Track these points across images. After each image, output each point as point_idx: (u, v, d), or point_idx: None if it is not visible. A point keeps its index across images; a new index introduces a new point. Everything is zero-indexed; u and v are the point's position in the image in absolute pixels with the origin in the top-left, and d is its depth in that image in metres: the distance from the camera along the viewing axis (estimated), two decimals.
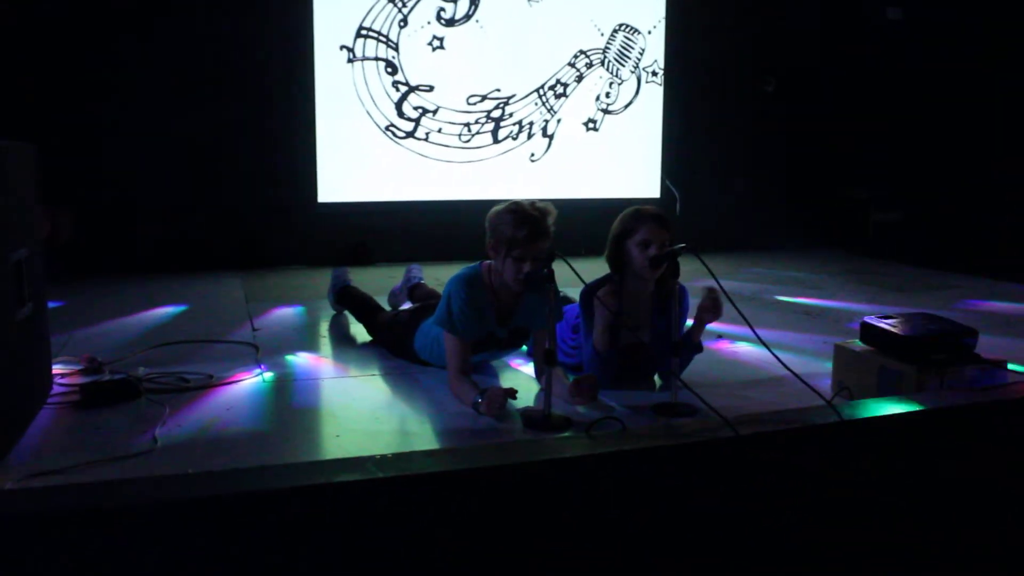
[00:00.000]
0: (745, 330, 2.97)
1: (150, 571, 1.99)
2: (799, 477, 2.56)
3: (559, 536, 2.27)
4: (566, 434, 2.73)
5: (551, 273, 2.92)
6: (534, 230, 3.10)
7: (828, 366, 3.48)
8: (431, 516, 2.14)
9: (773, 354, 2.93)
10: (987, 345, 3.56)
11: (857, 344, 3.34)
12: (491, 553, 2.21)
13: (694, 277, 3.36)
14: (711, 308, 3.20)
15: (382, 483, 2.08)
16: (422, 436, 2.87)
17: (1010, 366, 3.29)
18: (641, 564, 2.36)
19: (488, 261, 3.31)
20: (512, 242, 3.11)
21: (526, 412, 2.94)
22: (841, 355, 3.37)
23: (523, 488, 2.23)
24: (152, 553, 1.99)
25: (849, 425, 2.64)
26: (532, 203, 3.17)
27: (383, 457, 2.24)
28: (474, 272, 3.31)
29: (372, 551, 2.13)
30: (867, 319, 3.33)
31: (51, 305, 3.51)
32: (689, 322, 3.34)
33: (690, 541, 2.43)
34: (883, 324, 3.23)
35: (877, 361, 3.19)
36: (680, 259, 3.17)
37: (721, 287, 3.07)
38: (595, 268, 3.40)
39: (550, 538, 2.26)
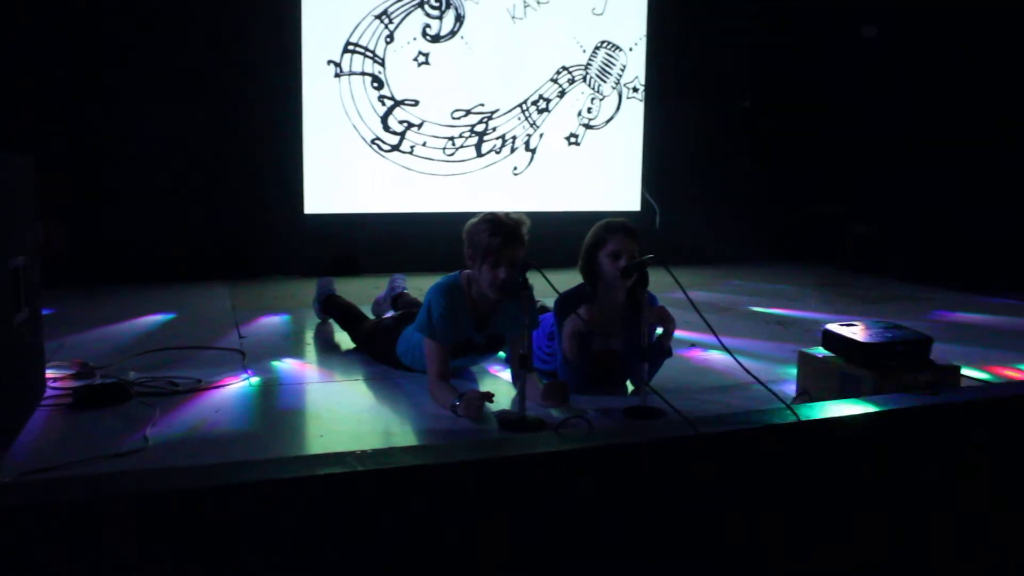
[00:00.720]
0: (716, 339, 3.12)
1: (139, 559, 2.10)
2: (757, 474, 2.70)
3: (530, 526, 2.40)
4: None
5: (526, 281, 3.08)
6: (508, 237, 3.25)
7: (794, 372, 3.63)
8: (409, 507, 2.27)
9: (736, 359, 3.08)
10: (947, 352, 3.74)
11: (819, 351, 3.50)
12: (464, 542, 2.34)
13: (666, 289, 3.51)
14: (660, 320, 3.33)
15: (363, 476, 2.21)
16: (403, 436, 3.00)
17: (964, 370, 3.45)
18: (605, 554, 2.50)
19: (467, 271, 3.45)
20: (488, 249, 3.25)
21: (502, 414, 3.08)
22: (805, 361, 3.53)
23: (496, 481, 2.37)
24: (140, 542, 2.10)
25: (806, 425, 2.79)
26: (507, 214, 3.32)
27: (363, 452, 2.37)
28: (453, 280, 3.45)
29: (353, 541, 2.26)
30: (828, 327, 3.49)
31: (43, 312, 3.62)
32: (660, 330, 3.49)
33: (652, 534, 2.57)
34: (843, 331, 3.39)
35: (838, 366, 3.35)
36: (651, 271, 3.32)
37: (688, 296, 3.20)
38: (573, 279, 3.54)
39: (521, 528, 2.40)
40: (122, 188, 6.11)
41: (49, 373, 3.49)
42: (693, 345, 4.31)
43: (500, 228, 3.26)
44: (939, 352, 3.50)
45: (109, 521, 2.05)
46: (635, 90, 7.54)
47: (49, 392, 3.33)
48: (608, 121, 7.49)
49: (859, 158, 7.82)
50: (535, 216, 3.42)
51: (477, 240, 3.29)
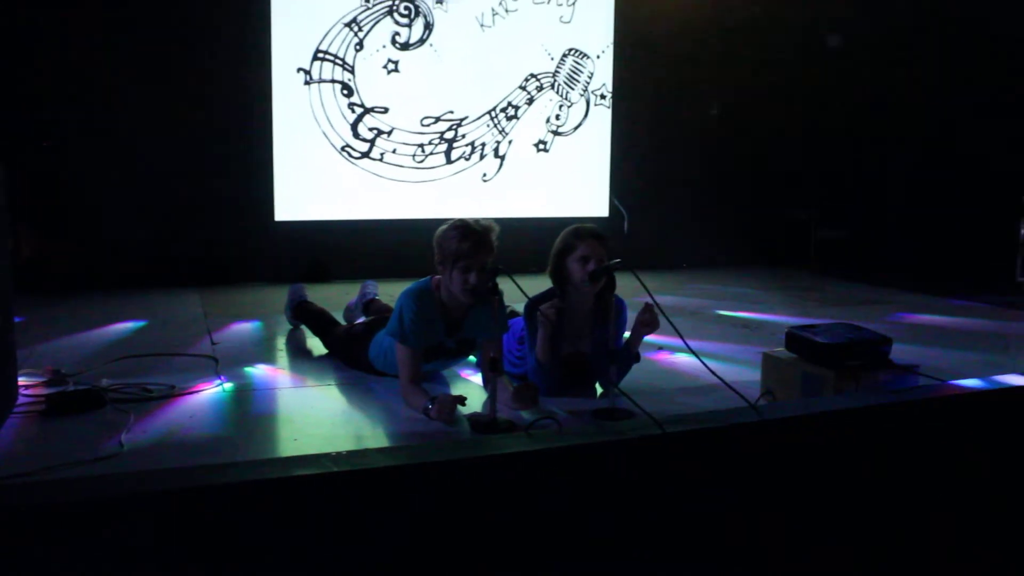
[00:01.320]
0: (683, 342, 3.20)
1: (117, 562, 2.14)
2: (721, 470, 2.78)
3: (501, 524, 2.46)
4: None
5: (496, 286, 3.14)
6: (477, 242, 3.31)
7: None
8: (384, 507, 2.32)
9: (701, 360, 3.16)
10: (907, 353, 3.85)
11: (783, 352, 3.59)
12: (439, 539, 2.40)
13: (636, 293, 3.58)
14: (648, 322, 3.41)
15: (338, 476, 2.26)
16: (376, 439, 3.05)
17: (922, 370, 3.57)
18: (575, 550, 2.57)
19: (437, 276, 3.50)
20: (458, 254, 3.31)
21: (474, 417, 3.14)
22: (768, 362, 3.62)
23: (468, 480, 2.43)
24: (117, 545, 2.14)
25: (769, 424, 2.87)
26: (476, 220, 3.39)
27: (339, 454, 2.42)
28: (424, 286, 3.51)
29: (328, 541, 2.30)
30: (791, 329, 3.58)
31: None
32: (628, 334, 3.56)
33: (621, 532, 2.64)
34: (805, 333, 3.49)
35: (800, 367, 3.44)
36: (619, 275, 3.39)
37: (654, 300, 3.28)
38: (544, 284, 3.61)
39: (493, 526, 2.45)
40: (92, 196, 6.10)
41: (21, 380, 3.49)
42: (661, 348, 4.39)
43: (469, 234, 3.32)
44: (898, 352, 3.61)
45: (89, 523, 2.08)
46: (603, 97, 7.63)
47: (21, 399, 3.33)
48: (576, 128, 7.57)
49: (827, 164, 7.97)
50: (504, 222, 3.49)
51: (447, 246, 3.35)
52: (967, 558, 3.23)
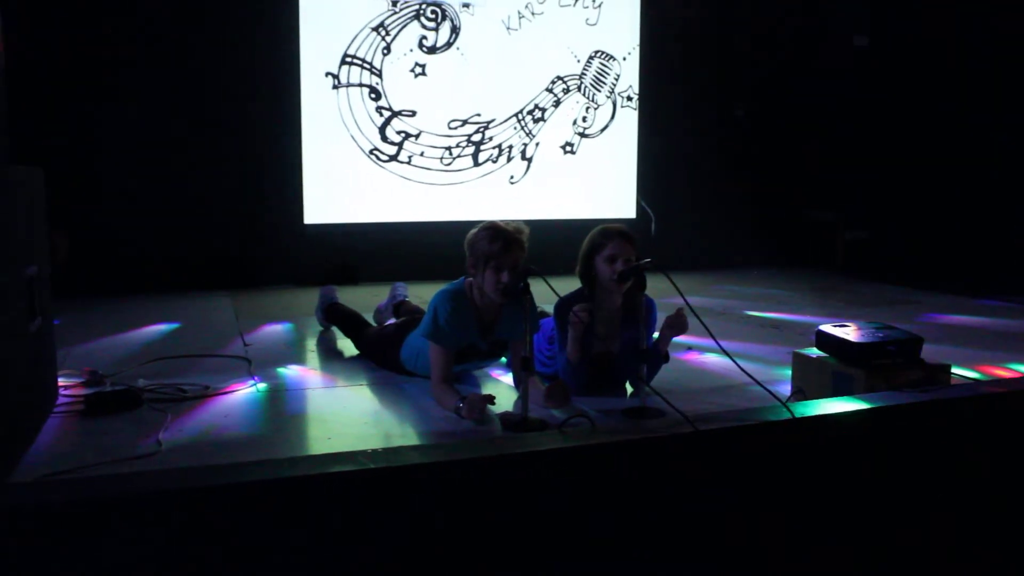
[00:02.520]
0: (712, 342, 3.20)
1: (158, 556, 2.18)
2: (756, 470, 2.79)
3: (533, 520, 2.49)
4: None
5: (527, 286, 3.17)
6: (508, 242, 3.34)
7: (789, 373, 3.72)
8: (418, 503, 2.35)
9: (732, 360, 3.17)
10: (937, 353, 3.83)
11: (813, 351, 3.59)
12: (473, 536, 2.42)
13: (664, 294, 3.59)
14: (676, 324, 3.40)
15: (373, 473, 2.29)
16: (408, 437, 3.07)
17: (955, 369, 3.54)
18: (608, 548, 2.58)
19: (470, 279, 3.53)
20: (489, 255, 3.34)
21: (505, 416, 3.16)
22: (799, 361, 3.62)
23: (502, 477, 2.45)
24: (159, 539, 2.18)
25: (800, 422, 2.87)
26: (506, 221, 3.42)
27: (374, 451, 2.46)
28: (458, 287, 3.54)
29: (363, 536, 2.34)
30: (821, 328, 3.58)
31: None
32: (656, 334, 3.57)
33: (653, 528, 2.65)
34: (836, 332, 3.48)
35: (830, 366, 3.44)
36: (650, 276, 3.40)
37: (686, 301, 3.28)
38: (574, 285, 3.62)
39: (526, 522, 2.48)
40: (124, 200, 6.19)
41: (60, 381, 3.56)
42: (690, 348, 4.39)
43: (500, 234, 3.35)
44: (929, 352, 3.59)
45: (134, 518, 2.12)
46: (629, 99, 7.64)
47: (61, 399, 3.40)
48: (603, 130, 7.58)
49: (852, 164, 7.93)
50: (532, 224, 3.52)
51: (478, 247, 3.38)
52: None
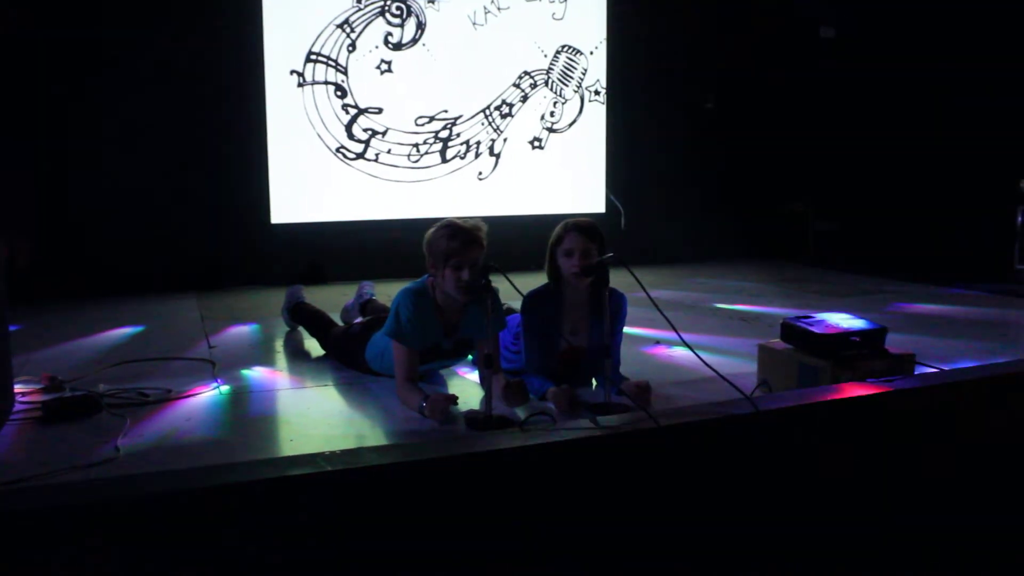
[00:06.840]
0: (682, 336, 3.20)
1: (110, 565, 2.14)
2: (717, 463, 2.78)
3: (495, 519, 2.47)
4: None
5: (489, 282, 3.14)
6: (467, 239, 3.31)
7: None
8: (378, 505, 2.32)
9: (696, 354, 3.16)
10: (903, 342, 3.85)
11: (778, 343, 3.59)
12: (434, 536, 2.40)
13: (632, 288, 3.57)
14: (636, 397, 3.17)
15: (332, 475, 2.26)
16: (373, 438, 3.05)
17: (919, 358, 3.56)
18: (570, 545, 2.57)
19: (432, 278, 3.49)
20: (448, 253, 3.31)
21: (470, 414, 3.13)
22: (764, 354, 3.62)
23: (463, 476, 2.43)
24: (115, 548, 2.14)
25: (764, 415, 2.87)
26: (463, 219, 3.39)
27: (332, 453, 2.42)
28: (421, 285, 3.51)
29: (323, 540, 2.31)
30: (787, 320, 3.58)
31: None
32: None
33: (612, 524, 2.64)
34: (801, 324, 3.48)
35: (796, 358, 3.44)
36: (617, 271, 3.37)
37: (648, 294, 3.24)
38: (544, 281, 3.60)
39: (488, 521, 2.46)
40: (86, 201, 6.11)
41: (17, 388, 3.49)
42: (658, 343, 4.39)
43: (458, 232, 3.33)
44: (894, 342, 3.60)
45: (87, 527, 2.08)
46: (597, 93, 7.62)
47: (18, 406, 3.33)
48: (571, 124, 7.57)
49: (820, 157, 7.97)
50: (501, 220, 3.50)
51: (437, 246, 3.35)
52: (967, 558, 3.23)
